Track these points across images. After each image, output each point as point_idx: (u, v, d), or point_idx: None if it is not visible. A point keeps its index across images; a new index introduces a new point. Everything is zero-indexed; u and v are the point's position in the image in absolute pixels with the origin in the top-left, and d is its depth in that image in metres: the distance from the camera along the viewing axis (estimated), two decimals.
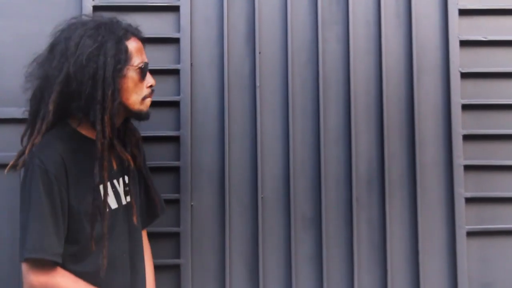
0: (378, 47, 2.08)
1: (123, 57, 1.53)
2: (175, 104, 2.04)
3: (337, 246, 2.02)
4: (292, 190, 2.03)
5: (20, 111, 1.98)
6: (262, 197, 2.03)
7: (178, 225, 2.01)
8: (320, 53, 2.06)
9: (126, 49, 1.55)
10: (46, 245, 1.46)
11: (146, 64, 1.60)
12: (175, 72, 2.05)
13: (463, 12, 2.09)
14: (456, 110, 2.06)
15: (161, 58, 2.06)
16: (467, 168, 2.05)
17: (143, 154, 1.82)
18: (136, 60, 1.58)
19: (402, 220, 2.04)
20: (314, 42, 2.08)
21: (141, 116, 1.62)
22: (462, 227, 2.02)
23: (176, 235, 2.01)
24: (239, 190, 2.04)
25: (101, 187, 1.55)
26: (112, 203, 1.62)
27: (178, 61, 2.06)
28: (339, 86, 2.07)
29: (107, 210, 1.57)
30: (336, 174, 2.05)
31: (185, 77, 2.04)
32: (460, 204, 2.03)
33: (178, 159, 2.03)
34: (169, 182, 2.03)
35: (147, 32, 2.01)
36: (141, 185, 1.81)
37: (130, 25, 1.63)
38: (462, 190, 2.03)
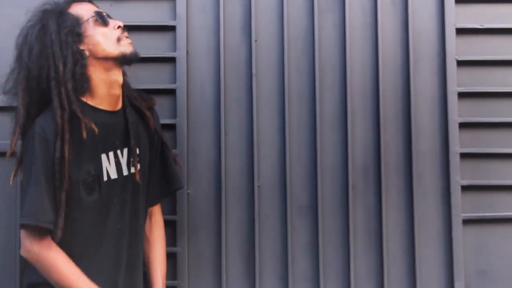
0: (374, 34, 2.08)
1: (69, 23, 1.57)
2: (171, 92, 2.04)
3: (333, 233, 2.03)
4: (288, 178, 2.03)
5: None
6: (258, 185, 2.03)
7: (174, 213, 2.01)
8: (316, 41, 2.06)
9: (70, 15, 1.59)
10: (40, 213, 1.51)
11: (97, 12, 1.62)
12: (171, 60, 2.05)
13: (460, 0, 2.09)
14: (452, 98, 2.06)
15: (157, 46, 2.06)
16: (463, 156, 2.05)
17: (160, 128, 1.84)
18: (87, 16, 1.60)
19: (398, 207, 2.04)
20: (310, 29, 2.08)
21: (126, 57, 1.62)
22: (458, 215, 2.02)
23: (173, 223, 2.01)
24: (236, 178, 2.04)
25: (103, 156, 1.60)
26: (112, 173, 1.64)
27: (174, 49, 2.06)
28: (335, 74, 2.07)
29: (105, 179, 1.61)
30: (332, 162, 2.05)
31: (181, 65, 2.04)
32: (456, 192, 2.03)
33: (174, 147, 2.02)
34: None
35: (143, 21, 2.05)
36: (157, 156, 1.82)
37: None
38: (458, 178, 2.03)
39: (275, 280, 2.02)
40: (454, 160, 2.04)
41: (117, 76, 1.64)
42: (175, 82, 2.04)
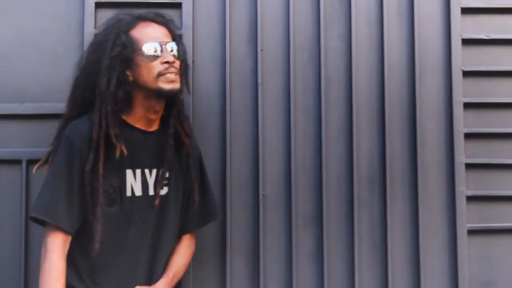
0: (380, 45, 2.08)
1: (126, 47, 1.62)
2: None
3: (338, 244, 2.02)
4: (294, 188, 2.03)
5: (22, 107, 1.99)
6: (263, 195, 2.03)
7: None
8: (322, 52, 2.06)
9: (129, 39, 1.63)
10: (49, 208, 1.57)
11: (150, 46, 1.64)
12: None
13: (466, 11, 2.09)
14: (458, 108, 2.06)
15: None
16: (469, 166, 2.05)
17: (199, 159, 1.86)
18: (143, 44, 1.64)
19: (403, 218, 2.04)
20: (316, 40, 2.08)
21: (162, 92, 1.64)
22: (463, 226, 2.02)
23: None
24: (240, 188, 2.04)
25: (128, 172, 1.65)
26: (137, 190, 1.67)
27: None
28: (341, 85, 2.07)
29: (129, 195, 1.65)
30: (338, 172, 2.05)
31: None
32: (461, 202, 2.03)
33: None
34: None
35: None
36: (191, 183, 1.82)
37: (144, 13, 1.73)
38: (464, 188, 2.03)
39: None
40: (460, 170, 2.04)
41: (155, 104, 1.68)
42: None
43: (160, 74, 1.63)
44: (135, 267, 1.67)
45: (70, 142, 1.59)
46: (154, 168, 1.71)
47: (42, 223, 1.61)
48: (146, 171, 1.70)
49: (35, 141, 1.98)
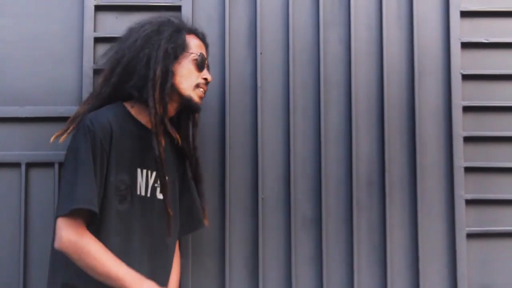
0: (380, 48, 2.08)
1: (179, 43, 1.68)
2: None
3: (337, 247, 2.02)
4: (293, 191, 2.03)
5: (21, 110, 1.99)
6: (262, 198, 2.03)
7: None
8: (321, 54, 2.06)
9: (183, 38, 1.70)
10: (92, 199, 1.54)
11: (202, 56, 1.72)
12: None
13: (465, 14, 2.09)
14: (457, 112, 2.06)
15: None
16: (468, 170, 2.05)
17: (197, 161, 1.87)
18: (193, 51, 1.70)
19: (402, 221, 2.04)
20: (315, 43, 2.08)
21: (190, 103, 1.70)
22: (462, 229, 2.02)
23: None
24: (240, 191, 2.04)
25: (138, 170, 1.66)
26: (143, 190, 1.68)
27: None
28: (340, 88, 2.07)
29: (139, 194, 1.66)
30: (337, 176, 2.05)
31: None
32: (460, 206, 2.03)
33: None
34: None
35: None
36: (184, 191, 1.86)
37: (197, 28, 1.81)
38: (463, 192, 2.03)
39: None
40: (459, 174, 2.04)
41: (172, 109, 1.72)
42: None
43: (197, 86, 1.71)
44: (140, 268, 1.63)
45: (93, 133, 1.57)
46: (154, 171, 1.70)
47: (76, 214, 1.55)
48: (148, 172, 1.70)
49: (34, 144, 1.98)
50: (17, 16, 2.04)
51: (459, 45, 2.08)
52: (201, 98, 1.73)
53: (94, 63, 2.01)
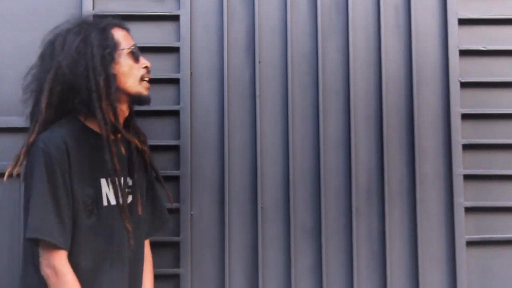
0: (378, 57, 2.08)
1: (110, 44, 1.60)
2: (175, 113, 2.05)
3: (336, 255, 2.02)
4: (292, 199, 2.03)
5: (20, 120, 1.99)
6: (261, 207, 2.03)
7: (178, 234, 2.01)
8: (320, 63, 2.06)
9: (111, 36, 1.61)
10: (45, 227, 1.49)
11: (135, 46, 1.65)
12: (175, 81, 2.05)
13: (463, 22, 2.10)
14: (455, 119, 2.06)
15: (161, 67, 2.06)
16: (467, 177, 2.05)
17: (152, 161, 1.83)
18: (125, 45, 1.63)
19: (401, 229, 2.04)
20: (314, 52, 2.08)
21: (141, 98, 1.64)
22: (462, 237, 2.02)
23: (176, 244, 2.01)
24: (239, 200, 2.04)
25: (102, 181, 1.60)
26: (112, 199, 1.63)
27: (178, 70, 2.06)
28: (338, 96, 2.07)
29: (105, 204, 1.60)
30: (336, 184, 2.05)
31: (185, 86, 2.05)
32: (459, 213, 2.03)
33: (178, 168, 2.03)
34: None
35: (147, 42, 2.05)
36: (148, 191, 1.82)
37: (112, 18, 1.70)
38: (462, 199, 2.03)
39: None
40: (458, 181, 2.04)
41: (124, 109, 1.66)
42: (179, 103, 2.05)
43: (142, 79, 1.64)
44: (123, 274, 1.63)
45: (48, 155, 1.50)
46: (122, 176, 1.66)
47: (37, 242, 1.53)
48: (116, 179, 1.64)
49: None
50: (16, 27, 2.04)
51: (457, 53, 2.08)
52: (147, 89, 1.66)
53: None
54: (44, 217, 1.49)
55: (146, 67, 1.66)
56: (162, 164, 2.01)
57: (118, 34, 1.65)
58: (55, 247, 1.50)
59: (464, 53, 2.09)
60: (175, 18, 2.07)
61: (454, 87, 2.07)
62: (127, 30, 1.71)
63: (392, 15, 2.10)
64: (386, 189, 2.03)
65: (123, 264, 1.64)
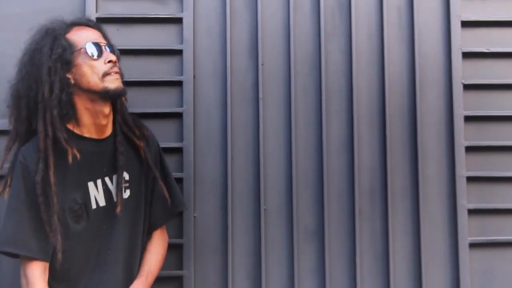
0: (381, 58, 2.08)
1: (63, 49, 1.56)
2: (178, 116, 2.05)
3: (339, 258, 2.02)
4: (295, 201, 2.03)
5: None
6: (264, 209, 2.03)
7: (181, 236, 2.01)
8: (323, 65, 2.06)
9: (64, 42, 1.58)
10: (19, 240, 1.52)
11: (91, 43, 1.59)
12: (178, 84, 2.06)
13: (466, 24, 2.10)
14: (458, 121, 2.06)
15: (164, 69, 2.06)
16: (470, 179, 2.05)
17: (158, 154, 1.82)
18: (80, 44, 1.59)
19: (405, 231, 2.04)
20: (316, 54, 2.08)
21: (109, 93, 1.59)
22: (465, 239, 2.02)
23: (179, 246, 2.01)
24: (242, 202, 2.04)
25: (90, 184, 1.61)
26: (101, 201, 1.64)
27: (181, 72, 2.06)
28: (342, 98, 2.07)
29: (94, 207, 1.62)
30: (339, 186, 2.05)
31: (188, 88, 2.05)
32: (462, 215, 2.03)
33: (181, 170, 2.03)
34: None
35: (150, 45, 2.05)
36: (151, 181, 1.80)
37: (75, 19, 1.68)
38: (465, 201, 2.03)
39: None
40: (461, 183, 2.04)
41: (102, 107, 1.62)
42: (182, 106, 2.05)
43: (105, 74, 1.59)
44: (115, 275, 1.64)
45: (26, 168, 1.53)
46: (114, 174, 1.67)
47: (13, 255, 1.55)
48: (107, 179, 1.66)
49: None
50: (17, 29, 2.04)
51: (460, 55, 2.08)
52: (117, 80, 1.61)
53: None
54: (19, 230, 1.52)
55: (110, 61, 1.60)
56: None
57: (76, 35, 1.61)
58: (29, 258, 1.53)
59: (467, 55, 2.09)
60: (178, 20, 2.07)
61: (457, 89, 2.07)
62: (90, 25, 1.67)
63: (395, 16, 2.10)
64: (389, 190, 2.03)
65: (116, 264, 1.65)
